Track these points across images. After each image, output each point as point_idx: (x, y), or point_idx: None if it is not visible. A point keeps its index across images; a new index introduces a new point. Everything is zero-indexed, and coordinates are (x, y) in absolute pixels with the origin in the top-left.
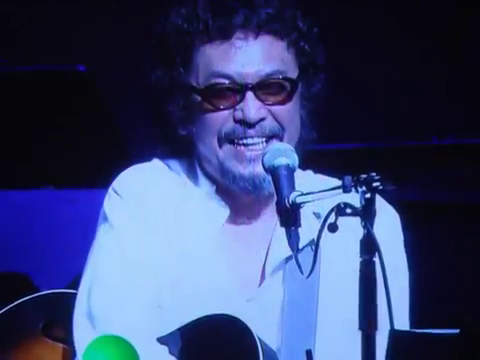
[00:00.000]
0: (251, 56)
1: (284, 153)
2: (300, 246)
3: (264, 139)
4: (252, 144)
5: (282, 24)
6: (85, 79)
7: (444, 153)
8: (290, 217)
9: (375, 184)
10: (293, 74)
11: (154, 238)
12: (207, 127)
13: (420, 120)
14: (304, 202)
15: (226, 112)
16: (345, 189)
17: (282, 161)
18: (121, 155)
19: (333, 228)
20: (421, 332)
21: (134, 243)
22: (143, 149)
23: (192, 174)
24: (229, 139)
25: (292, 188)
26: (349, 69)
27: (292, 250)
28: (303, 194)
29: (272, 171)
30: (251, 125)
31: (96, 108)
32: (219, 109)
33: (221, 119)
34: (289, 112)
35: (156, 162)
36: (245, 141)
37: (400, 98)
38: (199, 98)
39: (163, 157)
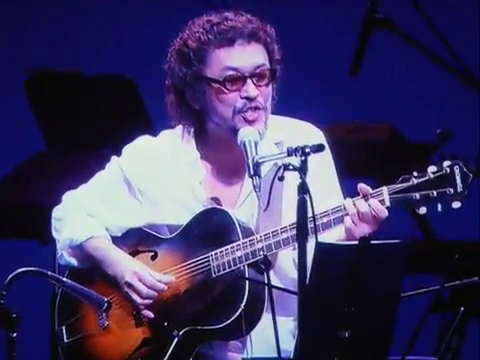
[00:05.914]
0: (247, 56)
1: (250, 134)
2: (261, 189)
3: (258, 109)
4: (252, 109)
5: (260, 34)
6: (125, 80)
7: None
8: (254, 171)
9: (307, 150)
10: (269, 66)
11: (146, 181)
12: (224, 103)
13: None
14: (263, 162)
15: (235, 93)
16: (289, 154)
17: (249, 137)
18: (148, 132)
19: (281, 178)
20: (336, 243)
21: (128, 176)
22: (162, 126)
23: (182, 145)
24: (239, 110)
25: (256, 154)
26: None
27: (255, 191)
28: (262, 157)
29: (244, 144)
30: (252, 99)
31: (132, 100)
32: (232, 91)
33: (233, 97)
34: (269, 93)
35: (162, 134)
36: (249, 109)
37: (351, 90)
38: (217, 85)
39: (167, 131)
